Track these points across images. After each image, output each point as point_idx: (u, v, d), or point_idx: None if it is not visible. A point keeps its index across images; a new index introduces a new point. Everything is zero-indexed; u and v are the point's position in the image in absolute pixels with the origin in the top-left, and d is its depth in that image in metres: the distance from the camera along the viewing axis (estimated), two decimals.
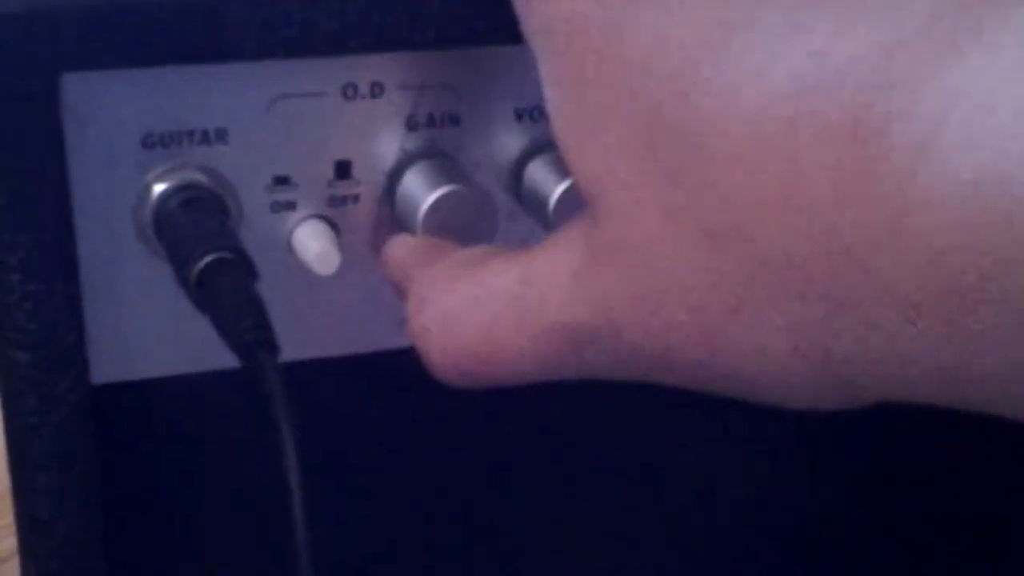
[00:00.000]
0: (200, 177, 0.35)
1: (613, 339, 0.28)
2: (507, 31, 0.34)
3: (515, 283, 0.30)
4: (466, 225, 0.36)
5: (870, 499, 0.50)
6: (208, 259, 0.33)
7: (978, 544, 0.52)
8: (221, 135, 0.35)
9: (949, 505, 0.51)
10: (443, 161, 0.37)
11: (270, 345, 0.32)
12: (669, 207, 0.26)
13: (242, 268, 0.33)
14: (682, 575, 0.49)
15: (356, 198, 0.37)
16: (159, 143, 0.35)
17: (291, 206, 0.37)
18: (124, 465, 0.38)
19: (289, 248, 0.37)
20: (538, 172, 0.38)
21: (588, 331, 0.28)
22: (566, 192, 0.37)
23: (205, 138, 0.35)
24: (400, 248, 0.35)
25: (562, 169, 0.37)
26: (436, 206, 0.36)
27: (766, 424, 0.46)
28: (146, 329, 0.37)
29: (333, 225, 0.37)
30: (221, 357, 0.33)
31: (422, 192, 0.36)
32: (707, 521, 0.48)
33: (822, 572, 0.51)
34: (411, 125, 0.37)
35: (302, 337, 0.38)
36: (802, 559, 0.50)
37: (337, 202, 0.37)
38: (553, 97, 0.29)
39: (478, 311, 0.31)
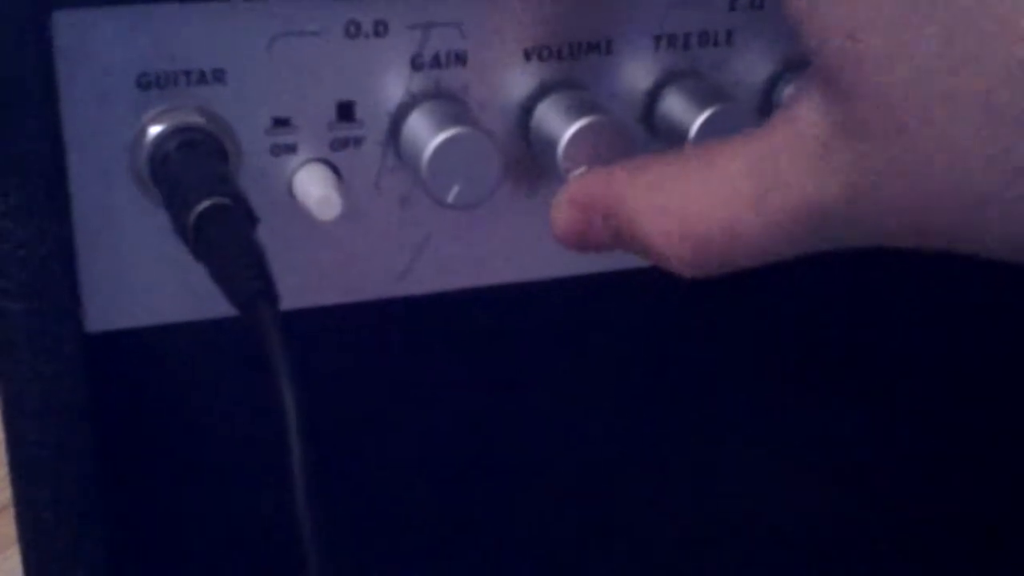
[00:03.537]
0: (197, 119, 0.34)
1: (863, 211, 0.28)
2: None
3: (751, 169, 0.29)
4: (473, 169, 0.35)
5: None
6: (205, 204, 0.32)
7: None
8: (219, 75, 0.34)
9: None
10: (449, 102, 0.36)
11: (269, 296, 0.31)
12: (936, 74, 0.25)
13: (241, 214, 0.33)
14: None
15: (359, 141, 0.36)
16: (155, 84, 0.34)
17: (292, 149, 0.36)
18: (119, 414, 0.38)
19: (289, 193, 0.36)
20: (548, 113, 0.37)
21: (837, 206, 0.28)
22: (577, 132, 0.36)
23: (203, 78, 0.34)
24: (595, 177, 0.34)
25: (575, 109, 0.36)
26: (443, 149, 0.35)
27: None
28: (141, 276, 0.36)
29: (335, 169, 0.36)
30: (219, 304, 0.32)
31: (428, 134, 0.35)
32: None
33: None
34: (416, 65, 0.36)
35: (303, 284, 0.37)
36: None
37: (339, 145, 0.36)
38: None
39: (717, 203, 0.30)
